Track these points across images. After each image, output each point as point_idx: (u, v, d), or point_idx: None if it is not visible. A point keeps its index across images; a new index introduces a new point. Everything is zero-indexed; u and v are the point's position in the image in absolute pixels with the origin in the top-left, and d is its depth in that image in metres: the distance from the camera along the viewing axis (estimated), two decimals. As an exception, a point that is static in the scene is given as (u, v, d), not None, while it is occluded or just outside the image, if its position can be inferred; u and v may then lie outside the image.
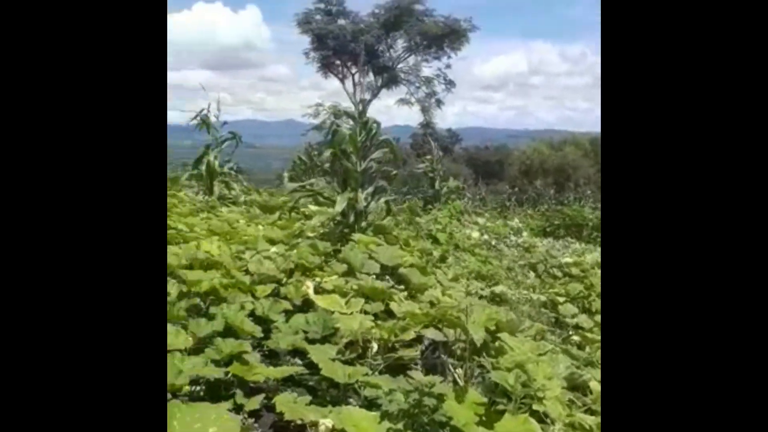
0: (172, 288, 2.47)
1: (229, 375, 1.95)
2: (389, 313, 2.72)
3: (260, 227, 4.53)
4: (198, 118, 6.87)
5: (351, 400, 1.99)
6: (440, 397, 1.65)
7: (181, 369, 1.57)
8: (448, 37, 27.24)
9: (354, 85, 28.35)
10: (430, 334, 2.32)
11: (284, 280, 3.08)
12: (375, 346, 2.32)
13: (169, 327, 2.08)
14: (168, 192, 5.75)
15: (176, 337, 2.04)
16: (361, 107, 4.38)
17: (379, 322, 2.51)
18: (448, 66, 28.66)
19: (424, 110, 29.12)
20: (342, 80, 28.96)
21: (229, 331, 2.21)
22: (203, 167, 6.57)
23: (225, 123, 7.04)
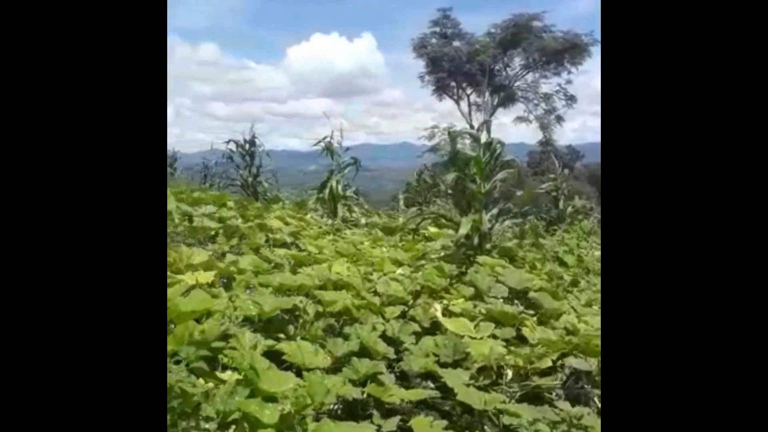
0: (309, 308, 2.59)
1: (365, 395, 1.99)
2: (521, 339, 2.63)
3: (383, 249, 4.63)
4: (322, 144, 7.23)
5: (486, 427, 1.94)
6: (587, 431, 1.55)
7: (328, 388, 1.63)
8: (568, 52, 26.32)
9: (469, 105, 28.28)
10: (574, 362, 2.20)
11: (411, 302, 3.11)
12: (509, 372, 2.25)
13: (308, 346, 2.17)
14: (296, 215, 6.08)
15: (315, 356, 2.13)
16: (484, 128, 4.35)
17: (511, 348, 2.44)
18: (569, 82, 27.65)
19: (543, 127, 28.24)
20: (457, 101, 29.02)
21: (363, 351, 2.26)
22: (327, 191, 6.88)
23: (347, 149, 7.34)
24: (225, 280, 3.15)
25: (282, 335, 2.39)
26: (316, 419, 1.60)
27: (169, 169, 15.17)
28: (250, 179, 8.99)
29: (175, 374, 1.59)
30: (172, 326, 2.26)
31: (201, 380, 1.74)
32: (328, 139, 7.12)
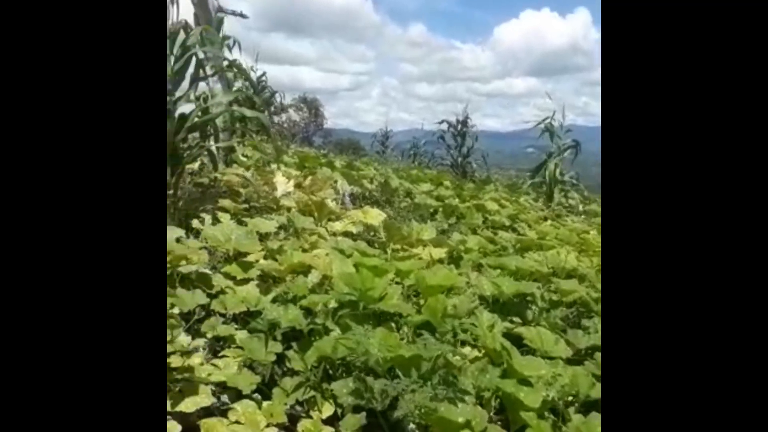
0: (545, 294, 2.55)
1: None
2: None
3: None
4: (531, 124, 7.00)
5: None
6: None
7: (593, 381, 1.59)
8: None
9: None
10: None
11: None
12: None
13: (549, 334, 2.14)
14: (510, 198, 6.02)
15: (556, 345, 2.09)
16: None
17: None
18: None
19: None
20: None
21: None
22: (544, 174, 6.67)
23: (568, 130, 7.00)
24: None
25: (517, 319, 2.39)
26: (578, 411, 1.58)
27: (380, 147, 16.12)
28: (459, 159, 9.13)
29: (436, 344, 1.69)
30: (412, 298, 2.41)
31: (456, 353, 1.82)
32: (548, 120, 6.87)
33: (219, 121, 3.90)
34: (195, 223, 2.88)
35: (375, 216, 3.54)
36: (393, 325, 2.10)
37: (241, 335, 1.96)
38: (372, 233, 3.52)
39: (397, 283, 2.39)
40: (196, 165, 4.00)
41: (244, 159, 5.09)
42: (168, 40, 3.22)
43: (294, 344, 1.94)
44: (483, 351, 2.05)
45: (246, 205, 3.58)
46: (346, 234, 3.36)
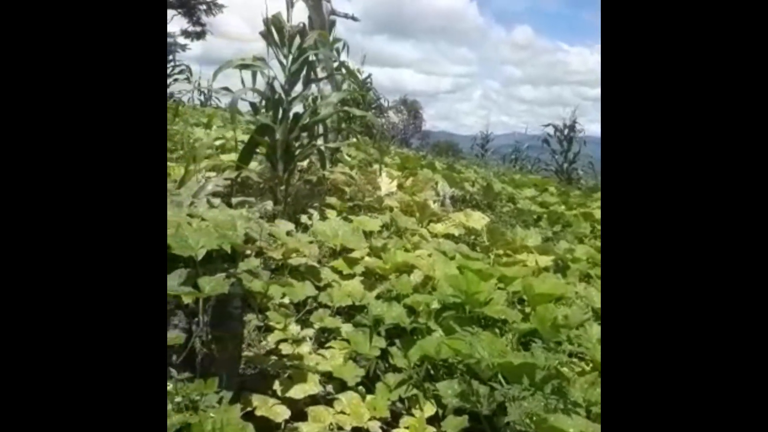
0: None
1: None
2: None
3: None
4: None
5: None
6: None
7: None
8: None
9: None
10: None
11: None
12: None
13: None
14: None
15: None
16: None
17: None
18: None
19: None
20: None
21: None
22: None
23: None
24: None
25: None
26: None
27: (480, 150, 15.89)
28: (565, 165, 8.79)
29: (543, 353, 1.64)
30: (518, 306, 2.35)
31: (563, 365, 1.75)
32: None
33: (327, 121, 4.03)
34: (303, 218, 3.01)
35: (477, 219, 3.50)
36: (497, 331, 2.06)
37: (346, 328, 2.01)
38: (474, 237, 3.48)
39: (500, 288, 2.35)
40: (305, 163, 4.16)
41: (349, 158, 5.23)
42: (286, 43, 3.38)
43: (397, 341, 1.96)
44: (591, 365, 1.96)
45: (351, 203, 3.67)
46: (448, 236, 3.35)
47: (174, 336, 1.42)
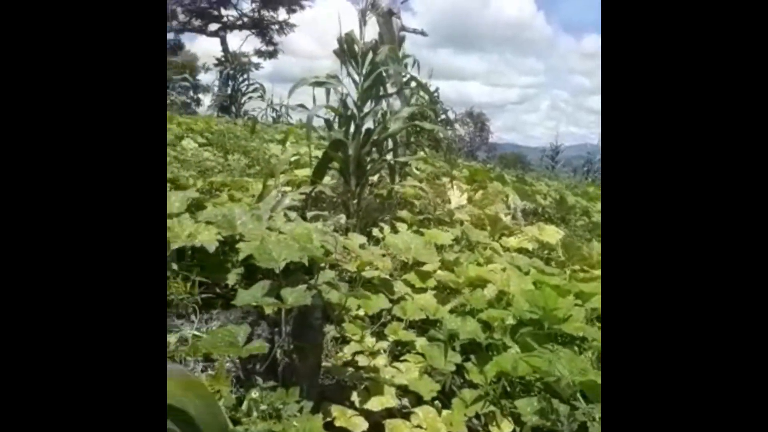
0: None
1: None
2: None
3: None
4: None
5: None
6: None
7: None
8: None
9: None
10: None
11: None
12: None
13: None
14: None
15: None
16: None
17: None
18: None
19: None
20: None
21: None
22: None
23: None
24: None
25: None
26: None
27: (550, 162, 15.51)
28: (641, 177, 8.40)
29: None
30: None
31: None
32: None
33: (397, 135, 4.08)
34: (375, 231, 3.05)
35: (552, 234, 3.41)
36: (575, 348, 2.00)
37: (421, 342, 2.01)
38: (548, 251, 3.39)
39: (578, 305, 2.28)
40: (375, 177, 4.22)
41: (418, 172, 5.25)
42: (359, 60, 3.46)
43: (472, 357, 1.94)
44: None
45: (421, 217, 3.68)
46: (521, 250, 3.29)
47: (258, 345, 1.47)
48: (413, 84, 4.81)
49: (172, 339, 1.80)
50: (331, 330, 2.03)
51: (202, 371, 1.65)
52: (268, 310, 1.68)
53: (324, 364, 1.83)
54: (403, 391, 1.80)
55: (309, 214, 2.99)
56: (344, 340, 2.03)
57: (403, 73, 4.57)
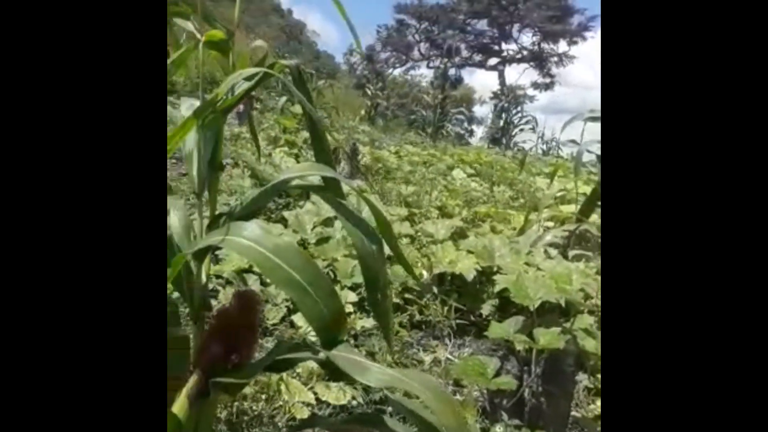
0: None
1: None
2: None
3: None
4: None
5: None
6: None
7: None
8: None
9: None
10: None
11: None
12: None
13: None
14: None
15: None
16: None
17: None
18: None
19: None
20: None
21: None
22: None
23: None
24: None
25: None
26: None
27: None
28: None
29: None
30: None
31: None
32: None
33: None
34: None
35: None
36: None
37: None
38: None
39: None
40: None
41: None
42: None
43: None
44: None
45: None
46: None
47: (507, 380, 1.48)
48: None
49: (427, 358, 1.93)
50: (584, 379, 1.92)
51: (453, 395, 1.73)
52: (519, 347, 1.68)
53: (573, 413, 1.74)
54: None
55: (571, 253, 2.88)
56: (597, 393, 1.89)
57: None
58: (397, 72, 28.42)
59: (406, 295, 2.29)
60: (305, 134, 5.93)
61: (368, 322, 2.05)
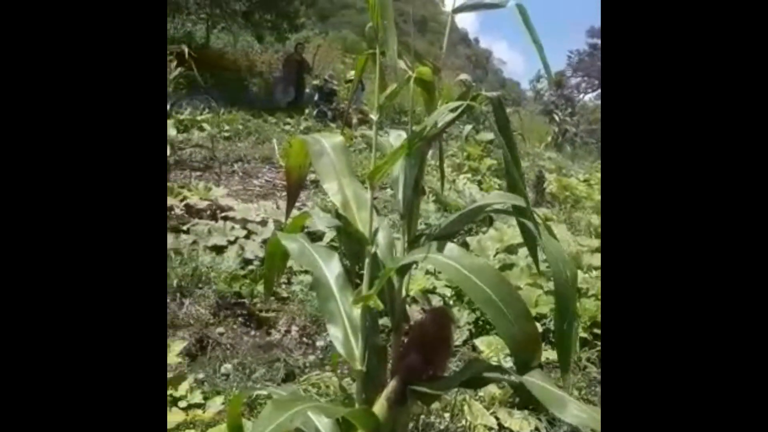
0: None
1: None
2: None
3: None
4: None
5: None
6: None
7: None
8: None
9: None
10: None
11: None
12: None
13: None
14: None
15: None
16: None
17: None
18: None
19: None
20: None
21: None
22: None
23: None
24: None
25: None
26: None
27: None
28: None
29: None
30: None
31: None
32: None
33: None
34: None
35: None
36: None
37: None
38: None
39: None
40: None
41: None
42: None
43: None
44: None
45: None
46: None
47: None
48: None
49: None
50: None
51: None
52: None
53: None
54: None
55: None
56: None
57: None
58: (587, 97, 27.23)
59: (595, 330, 2.18)
60: (489, 161, 5.96)
61: (552, 354, 2.00)
